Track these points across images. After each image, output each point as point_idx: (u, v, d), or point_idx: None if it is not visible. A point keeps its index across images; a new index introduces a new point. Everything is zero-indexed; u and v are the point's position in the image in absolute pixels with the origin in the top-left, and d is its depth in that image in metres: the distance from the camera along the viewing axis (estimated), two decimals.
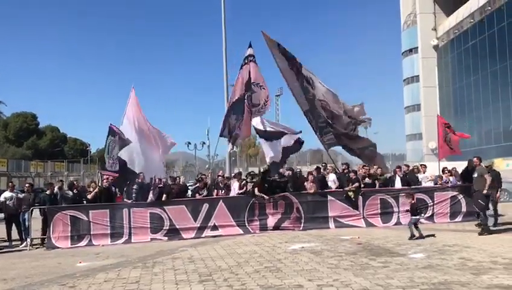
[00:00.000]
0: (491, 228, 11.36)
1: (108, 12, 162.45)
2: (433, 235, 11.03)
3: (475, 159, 12.50)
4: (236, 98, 15.10)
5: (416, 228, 11.05)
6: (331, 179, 14.33)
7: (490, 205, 11.86)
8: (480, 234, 10.99)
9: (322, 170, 15.36)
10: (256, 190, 13.54)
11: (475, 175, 11.78)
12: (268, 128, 15.91)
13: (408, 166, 16.34)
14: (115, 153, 13.94)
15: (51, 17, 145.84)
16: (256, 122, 15.72)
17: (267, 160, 15.86)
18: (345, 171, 14.84)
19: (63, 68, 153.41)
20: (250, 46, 15.26)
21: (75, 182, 15.17)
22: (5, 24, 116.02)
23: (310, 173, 14.80)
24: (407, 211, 13.68)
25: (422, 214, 12.83)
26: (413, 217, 11.33)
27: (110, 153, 14.10)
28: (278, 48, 14.97)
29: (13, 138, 69.73)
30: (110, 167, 14.15)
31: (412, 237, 10.81)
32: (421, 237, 10.79)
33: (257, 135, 17.04)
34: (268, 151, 15.80)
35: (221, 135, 15.49)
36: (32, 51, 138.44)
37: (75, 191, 13.70)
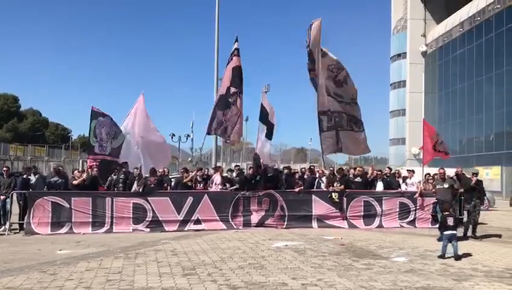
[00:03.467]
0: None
1: None
2: (470, 257, 9.19)
3: (441, 170, 12.34)
4: (223, 93, 14.98)
5: (452, 243, 9.05)
6: (323, 183, 14.38)
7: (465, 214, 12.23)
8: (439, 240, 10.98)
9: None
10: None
11: (445, 186, 11.66)
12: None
13: (390, 169, 16.52)
14: (105, 135, 13.85)
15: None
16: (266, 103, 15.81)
17: (259, 146, 15.79)
18: (331, 174, 14.92)
19: (47, 52, 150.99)
20: (236, 40, 15.18)
21: (60, 168, 14.84)
22: None
23: (295, 172, 14.91)
24: (390, 213, 13.93)
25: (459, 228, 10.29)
26: (445, 232, 9.22)
27: (99, 136, 13.92)
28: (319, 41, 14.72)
29: None
30: (100, 151, 13.95)
31: (443, 256, 8.95)
32: (456, 257, 8.89)
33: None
34: (262, 135, 15.79)
35: (208, 133, 15.32)
36: (19, 33, 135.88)
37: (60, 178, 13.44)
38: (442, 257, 8.96)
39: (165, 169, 15.22)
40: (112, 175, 13.75)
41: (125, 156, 14.57)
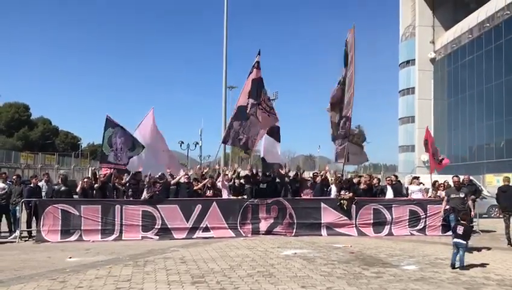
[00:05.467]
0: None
1: (106, 3, 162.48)
2: (481, 266, 9.07)
3: (455, 178, 11.99)
4: (243, 104, 14.71)
5: (459, 252, 8.88)
6: (333, 191, 14.31)
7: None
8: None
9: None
10: None
11: (461, 195, 11.34)
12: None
13: (396, 176, 16.41)
14: (122, 145, 13.86)
15: (45, 6, 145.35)
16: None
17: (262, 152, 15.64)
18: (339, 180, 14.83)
19: (57, 61, 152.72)
20: (259, 53, 14.95)
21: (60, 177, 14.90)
22: None
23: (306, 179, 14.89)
24: (400, 221, 13.82)
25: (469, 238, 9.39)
26: (458, 240, 8.93)
27: (115, 145, 13.89)
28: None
29: (4, 128, 69.03)
30: (115, 160, 13.92)
31: (454, 265, 8.79)
32: (461, 266, 8.73)
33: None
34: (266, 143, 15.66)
35: (224, 142, 15.32)
36: (28, 41, 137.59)
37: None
38: (453, 266, 8.78)
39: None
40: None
41: (146, 166, 14.55)
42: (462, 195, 11.34)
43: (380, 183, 15.31)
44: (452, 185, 12.16)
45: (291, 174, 15.46)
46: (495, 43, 44.03)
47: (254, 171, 15.21)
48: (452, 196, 11.53)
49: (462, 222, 9.24)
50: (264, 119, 14.99)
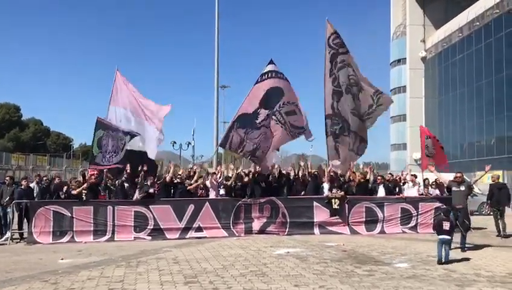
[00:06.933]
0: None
1: (97, 3, 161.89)
2: (472, 262, 9.20)
3: (458, 174, 11.86)
4: (248, 112, 14.35)
5: (444, 248, 9.02)
6: (325, 188, 14.32)
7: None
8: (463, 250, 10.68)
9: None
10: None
11: (462, 189, 11.34)
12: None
13: (392, 175, 16.48)
14: (113, 146, 13.75)
15: (36, 7, 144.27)
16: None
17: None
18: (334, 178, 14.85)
19: (48, 62, 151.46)
20: (271, 62, 14.64)
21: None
22: None
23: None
24: (392, 219, 13.89)
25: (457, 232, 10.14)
26: (440, 236, 9.16)
27: (104, 147, 13.80)
28: (333, 40, 14.88)
29: None
30: (103, 161, 13.82)
31: (440, 261, 8.94)
32: (447, 261, 8.93)
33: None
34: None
35: (221, 145, 15.19)
36: (18, 42, 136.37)
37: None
38: (440, 262, 8.91)
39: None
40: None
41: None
42: (462, 188, 11.45)
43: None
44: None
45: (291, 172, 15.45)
46: (485, 41, 44.35)
47: (252, 170, 14.98)
48: (454, 189, 11.62)
49: (446, 217, 9.53)
50: (277, 131, 14.77)
